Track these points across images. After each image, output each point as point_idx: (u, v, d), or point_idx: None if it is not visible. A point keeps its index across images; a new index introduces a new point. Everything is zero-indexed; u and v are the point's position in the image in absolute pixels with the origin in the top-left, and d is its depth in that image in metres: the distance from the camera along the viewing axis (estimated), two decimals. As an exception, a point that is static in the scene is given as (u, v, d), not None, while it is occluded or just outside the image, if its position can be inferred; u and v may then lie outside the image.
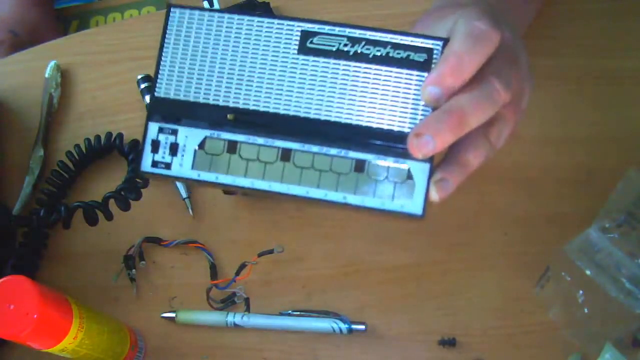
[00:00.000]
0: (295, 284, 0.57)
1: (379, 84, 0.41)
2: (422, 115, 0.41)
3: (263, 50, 0.42)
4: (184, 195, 0.61)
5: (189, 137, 0.43)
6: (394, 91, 0.41)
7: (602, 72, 0.61)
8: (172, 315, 0.57)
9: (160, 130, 0.43)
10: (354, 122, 0.41)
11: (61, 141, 0.65)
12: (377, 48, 0.41)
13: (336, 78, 0.42)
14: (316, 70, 0.42)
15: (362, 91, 0.41)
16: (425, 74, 0.41)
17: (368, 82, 0.41)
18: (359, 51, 0.41)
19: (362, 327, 0.54)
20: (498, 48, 0.40)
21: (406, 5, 0.64)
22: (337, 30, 0.42)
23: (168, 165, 0.43)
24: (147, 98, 0.64)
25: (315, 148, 0.41)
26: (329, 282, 0.57)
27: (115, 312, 0.57)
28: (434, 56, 0.41)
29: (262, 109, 0.42)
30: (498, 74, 0.40)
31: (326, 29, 0.42)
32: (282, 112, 0.42)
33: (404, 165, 0.41)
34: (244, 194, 0.60)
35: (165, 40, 0.43)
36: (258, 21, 0.42)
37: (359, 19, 0.65)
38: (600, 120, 0.59)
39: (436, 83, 0.39)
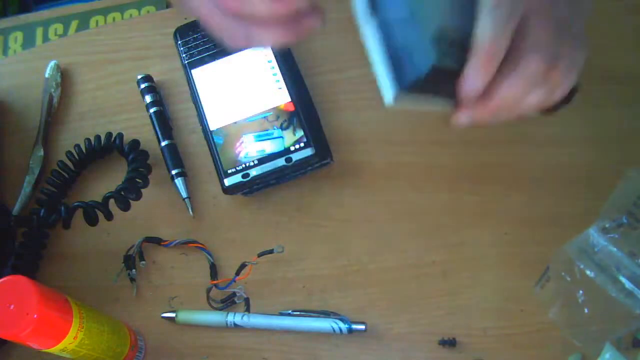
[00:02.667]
0: (295, 284, 0.57)
1: None
2: None
3: None
4: (184, 195, 0.60)
5: None
6: None
7: (602, 72, 0.61)
8: (172, 315, 0.57)
9: None
10: None
11: (61, 141, 0.65)
12: None
13: None
14: None
15: None
16: None
17: None
18: None
19: (362, 327, 0.54)
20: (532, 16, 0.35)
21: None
22: None
23: None
24: (147, 98, 0.64)
25: None
26: (329, 282, 0.57)
27: (115, 312, 0.57)
28: None
29: None
30: (538, 47, 0.36)
31: None
32: None
33: None
34: (244, 194, 0.60)
35: None
36: None
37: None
38: (600, 120, 0.59)
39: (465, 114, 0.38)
